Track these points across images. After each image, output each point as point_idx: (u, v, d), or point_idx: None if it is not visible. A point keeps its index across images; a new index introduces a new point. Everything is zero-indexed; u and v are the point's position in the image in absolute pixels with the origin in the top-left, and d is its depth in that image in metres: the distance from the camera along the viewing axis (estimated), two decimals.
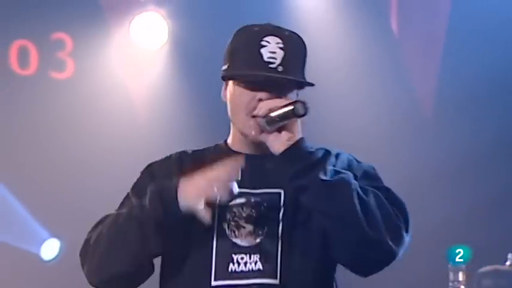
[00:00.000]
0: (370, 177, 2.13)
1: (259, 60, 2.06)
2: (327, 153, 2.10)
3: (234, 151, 2.16)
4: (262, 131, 2.06)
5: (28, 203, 5.60)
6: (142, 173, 2.21)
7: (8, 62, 5.45)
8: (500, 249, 5.29)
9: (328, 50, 5.79)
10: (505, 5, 5.88)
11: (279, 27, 2.14)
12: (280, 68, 2.06)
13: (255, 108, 2.07)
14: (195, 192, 1.95)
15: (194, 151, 2.22)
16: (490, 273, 5.17)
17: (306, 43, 2.21)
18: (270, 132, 2.05)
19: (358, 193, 2.01)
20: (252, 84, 2.08)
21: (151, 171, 2.20)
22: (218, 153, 2.16)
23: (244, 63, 2.09)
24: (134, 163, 2.35)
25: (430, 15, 6.20)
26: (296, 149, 2.03)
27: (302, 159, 2.03)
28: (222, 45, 2.19)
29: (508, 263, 5.16)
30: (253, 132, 2.08)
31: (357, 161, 2.19)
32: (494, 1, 5.94)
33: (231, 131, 2.20)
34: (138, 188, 2.18)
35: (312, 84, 2.12)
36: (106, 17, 5.73)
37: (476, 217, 5.87)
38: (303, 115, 2.03)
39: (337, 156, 2.16)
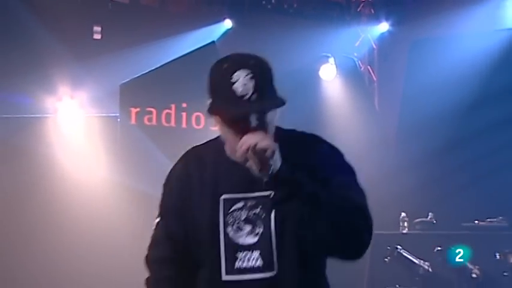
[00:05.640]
0: (343, 182, 2.23)
1: (234, 97, 2.11)
2: (305, 156, 2.21)
3: (230, 159, 2.28)
4: (246, 159, 2.13)
5: None
6: (166, 188, 2.43)
7: (191, 123, 8.25)
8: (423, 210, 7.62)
9: (339, 111, 8.56)
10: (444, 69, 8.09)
11: (244, 57, 2.18)
12: (254, 97, 2.11)
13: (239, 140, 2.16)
14: None
15: (198, 155, 2.39)
16: (419, 222, 7.71)
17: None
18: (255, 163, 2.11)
19: (334, 205, 2.14)
20: (235, 124, 2.16)
21: (173, 185, 2.41)
22: (216, 160, 2.33)
23: (222, 102, 2.15)
24: None
25: (394, 87, 8.93)
26: (278, 177, 2.11)
27: (284, 186, 2.12)
28: None
29: (429, 217, 7.68)
30: (238, 156, 2.16)
31: (335, 154, 2.30)
32: (434, 68, 8.15)
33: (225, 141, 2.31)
34: (164, 207, 2.43)
35: (282, 101, 2.16)
36: None
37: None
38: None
39: (320, 148, 2.27)
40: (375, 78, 9.51)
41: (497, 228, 7.37)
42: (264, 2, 8.68)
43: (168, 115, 8.43)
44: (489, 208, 7.63)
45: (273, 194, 2.17)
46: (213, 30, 8.62)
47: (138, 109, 8.26)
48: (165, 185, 2.44)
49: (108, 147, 7.98)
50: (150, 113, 8.35)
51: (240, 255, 2.27)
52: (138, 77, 8.03)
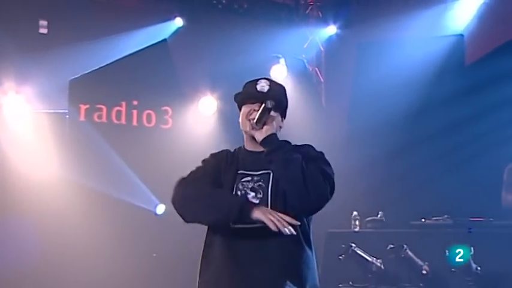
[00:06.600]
0: (315, 159, 3.04)
1: (255, 90, 3.11)
2: (288, 142, 3.06)
3: (247, 150, 3.18)
4: (253, 129, 3.06)
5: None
6: (210, 156, 3.25)
7: (142, 120, 8.27)
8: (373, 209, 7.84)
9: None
10: (390, 76, 8.22)
11: (270, 79, 3.17)
12: (266, 92, 3.10)
13: (251, 115, 3.07)
14: (262, 215, 2.87)
15: (230, 151, 3.25)
16: (370, 221, 7.81)
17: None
18: (258, 130, 3.05)
19: (302, 166, 2.92)
20: (249, 101, 3.10)
21: (214, 157, 3.23)
22: (239, 151, 3.21)
23: (247, 94, 3.13)
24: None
25: (341, 89, 9.08)
26: (270, 137, 3.03)
27: (273, 143, 3.02)
28: None
29: (379, 215, 7.82)
30: (247, 129, 3.08)
31: (313, 149, 3.12)
32: (377, 76, 8.29)
33: (244, 139, 3.21)
34: (206, 166, 3.20)
35: (285, 105, 3.15)
36: (188, 98, 8.49)
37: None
38: (270, 108, 3.00)
39: (299, 145, 3.10)
40: (322, 80, 9.64)
41: (443, 225, 7.51)
42: (214, 2, 8.64)
43: (119, 112, 8.37)
44: (435, 207, 7.77)
45: (266, 150, 3.04)
46: (164, 28, 8.57)
47: (87, 106, 8.18)
48: (209, 157, 3.28)
49: (57, 144, 7.88)
50: (100, 110, 8.28)
51: None
52: (88, 73, 7.94)
